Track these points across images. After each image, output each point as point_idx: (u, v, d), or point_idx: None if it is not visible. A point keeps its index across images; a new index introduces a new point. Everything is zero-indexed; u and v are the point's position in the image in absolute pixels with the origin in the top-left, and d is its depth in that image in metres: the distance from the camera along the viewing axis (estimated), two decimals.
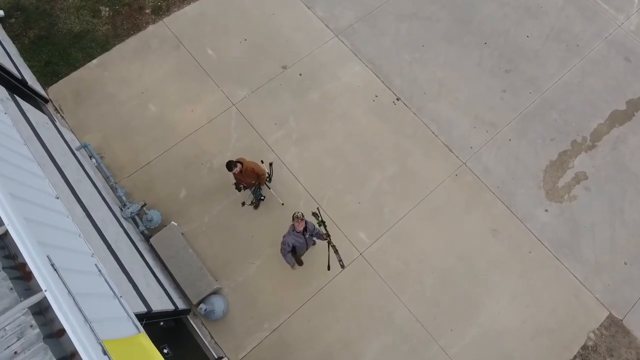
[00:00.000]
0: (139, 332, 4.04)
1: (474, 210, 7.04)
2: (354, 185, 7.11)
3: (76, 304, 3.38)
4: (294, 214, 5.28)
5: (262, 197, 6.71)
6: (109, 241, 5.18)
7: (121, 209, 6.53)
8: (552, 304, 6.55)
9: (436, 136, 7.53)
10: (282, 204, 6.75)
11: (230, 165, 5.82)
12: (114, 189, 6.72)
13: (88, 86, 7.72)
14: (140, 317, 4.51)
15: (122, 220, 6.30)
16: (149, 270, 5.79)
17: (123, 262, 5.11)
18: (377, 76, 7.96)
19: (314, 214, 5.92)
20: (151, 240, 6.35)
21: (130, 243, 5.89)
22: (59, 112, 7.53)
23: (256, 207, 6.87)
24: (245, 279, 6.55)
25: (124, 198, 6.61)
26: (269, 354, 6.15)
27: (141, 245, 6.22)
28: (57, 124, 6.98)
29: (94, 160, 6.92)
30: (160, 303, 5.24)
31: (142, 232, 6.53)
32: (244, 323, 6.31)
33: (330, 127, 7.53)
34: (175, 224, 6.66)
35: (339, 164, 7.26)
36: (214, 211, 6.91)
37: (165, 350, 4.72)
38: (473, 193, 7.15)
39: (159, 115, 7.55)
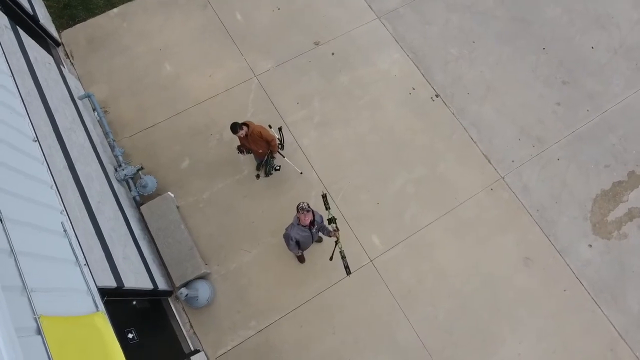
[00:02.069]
0: (97, 310, 3.37)
1: (507, 231, 6.16)
2: (374, 182, 6.32)
3: (16, 264, 2.71)
4: (299, 204, 4.51)
5: (278, 167, 5.94)
6: (90, 201, 4.54)
7: (116, 170, 5.91)
8: (583, 354, 5.62)
9: (474, 143, 6.66)
10: (301, 173, 6.08)
11: (235, 127, 5.15)
12: (111, 147, 6.10)
13: (104, 35, 7.15)
14: (106, 292, 3.84)
15: (114, 181, 5.67)
16: (132, 242, 5.14)
17: (102, 227, 4.46)
18: (417, 67, 7.14)
19: (324, 198, 4.89)
20: (142, 208, 5.71)
21: (117, 208, 5.25)
22: (69, 58, 6.97)
23: (267, 175, 6.22)
24: (238, 268, 5.84)
25: (120, 158, 5.98)
26: (250, 356, 5.43)
27: (130, 213, 5.58)
28: (65, 69, 6.42)
29: (96, 113, 6.33)
30: (136, 279, 4.57)
31: (133, 198, 5.90)
32: (229, 317, 5.61)
33: (357, 115, 6.75)
34: (172, 195, 6.00)
35: (361, 156, 6.48)
36: (216, 188, 6.23)
37: (130, 335, 4.04)
38: (508, 212, 6.27)
39: (174, 75, 6.91)
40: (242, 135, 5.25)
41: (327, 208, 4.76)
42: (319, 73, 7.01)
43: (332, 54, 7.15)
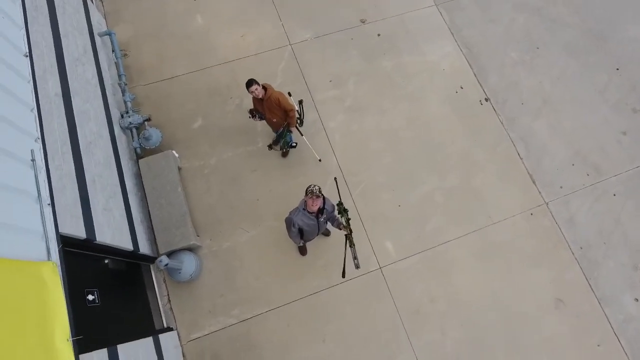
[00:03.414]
0: (49, 259, 2.79)
1: (541, 265, 5.33)
2: (400, 182, 5.59)
3: None
4: (309, 187, 3.83)
5: (294, 144, 5.21)
6: (80, 139, 4.00)
7: (122, 116, 5.39)
8: None
9: (520, 159, 5.85)
10: (320, 160, 5.29)
11: (251, 81, 4.51)
12: (122, 91, 5.59)
13: None
14: (71, 242, 3.27)
15: (116, 128, 5.14)
16: (120, 195, 4.59)
17: (85, 170, 3.91)
18: (470, 65, 6.36)
19: (336, 182, 4.29)
20: (140, 161, 5.16)
21: (111, 155, 4.71)
22: None
23: (285, 154, 5.56)
24: (232, 247, 5.23)
25: (129, 104, 5.46)
26: (225, 347, 4.81)
27: (126, 164, 5.04)
28: (92, 4, 5.94)
29: (114, 54, 5.83)
30: (113, 236, 4.01)
31: (134, 150, 5.36)
32: (211, 298, 5.01)
33: (394, 105, 6.03)
34: (176, 154, 5.45)
35: (390, 151, 5.76)
36: (225, 156, 5.63)
37: (90, 297, 3.47)
38: (546, 244, 5.44)
39: (204, 29, 6.36)
40: (256, 94, 4.58)
41: (342, 212, 4.04)
42: (360, 53, 6.33)
43: (378, 35, 6.46)
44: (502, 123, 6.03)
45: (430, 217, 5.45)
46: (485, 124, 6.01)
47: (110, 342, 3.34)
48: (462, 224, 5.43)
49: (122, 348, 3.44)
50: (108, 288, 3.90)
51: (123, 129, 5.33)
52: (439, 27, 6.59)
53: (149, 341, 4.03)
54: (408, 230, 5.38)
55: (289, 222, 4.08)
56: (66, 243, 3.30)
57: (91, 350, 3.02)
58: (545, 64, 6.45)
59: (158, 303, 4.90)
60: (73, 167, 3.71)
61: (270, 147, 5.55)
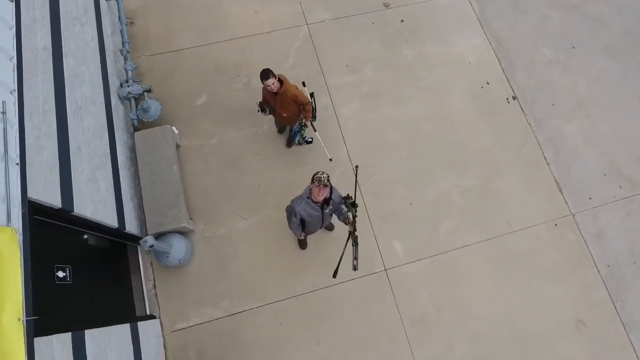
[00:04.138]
0: (8, 224, 2.43)
1: (563, 282, 4.84)
2: (414, 179, 5.15)
3: None
4: (316, 174, 3.41)
5: (310, 140, 4.80)
6: (68, 101, 3.64)
7: (121, 85, 5.04)
8: None
9: (547, 163, 5.36)
10: (330, 160, 4.81)
11: (268, 73, 4.04)
12: (125, 59, 5.24)
13: None
14: (40, 209, 2.91)
15: (113, 97, 4.79)
16: (110, 167, 4.23)
17: (70, 134, 3.55)
18: (498, 60, 5.88)
19: (356, 170, 3.78)
20: (135, 134, 4.80)
21: (104, 124, 4.35)
22: None
23: (289, 146, 5.17)
24: (227, 234, 4.84)
25: (130, 73, 5.11)
26: (211, 342, 4.42)
27: (121, 136, 4.68)
28: None
29: (119, 21, 5.48)
30: (95, 209, 3.65)
31: (131, 121, 5.01)
32: (199, 287, 4.62)
33: (414, 96, 5.59)
34: (175, 130, 5.08)
35: (406, 144, 5.32)
36: (228, 136, 5.25)
37: (60, 274, 3.10)
38: (570, 259, 4.95)
39: (215, 2, 5.99)
40: (272, 87, 4.11)
41: (350, 207, 3.60)
42: (381, 39, 5.90)
43: (402, 21, 6.01)
44: (529, 124, 5.54)
45: (445, 218, 5.00)
46: (511, 123, 5.53)
47: (77, 326, 2.97)
48: (479, 229, 4.97)
49: (91, 334, 3.07)
50: (84, 266, 3.54)
51: (121, 98, 4.98)
52: (467, 17, 6.12)
53: (125, 328, 3.66)
54: (419, 230, 4.94)
55: (291, 211, 3.67)
56: (37, 210, 2.94)
57: (51, 334, 2.65)
58: (582, 64, 5.94)
59: (143, 288, 4.53)
60: (55, 129, 3.35)
61: (290, 144, 5.12)
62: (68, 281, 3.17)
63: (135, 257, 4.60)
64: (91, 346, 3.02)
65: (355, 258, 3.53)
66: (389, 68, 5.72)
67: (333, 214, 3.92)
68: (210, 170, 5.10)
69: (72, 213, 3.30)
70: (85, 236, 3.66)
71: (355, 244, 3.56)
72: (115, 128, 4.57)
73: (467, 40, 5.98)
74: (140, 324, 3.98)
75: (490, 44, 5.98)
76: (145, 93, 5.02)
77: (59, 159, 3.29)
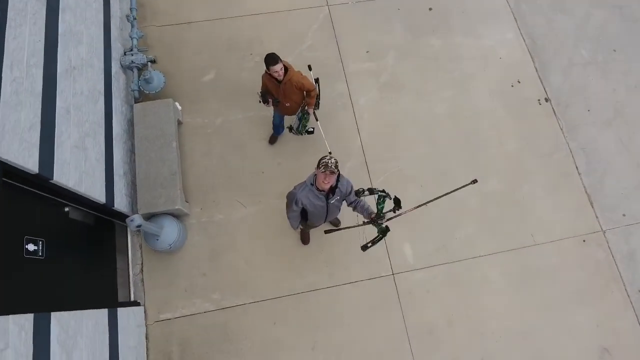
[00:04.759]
0: None
1: (588, 304, 4.39)
2: (431, 178, 4.73)
3: None
4: (323, 158, 3.02)
5: (311, 130, 4.42)
6: (59, 59, 3.31)
7: (124, 53, 4.71)
8: None
9: (579, 173, 4.90)
10: (330, 153, 4.30)
11: (275, 58, 3.62)
12: (131, 25, 4.91)
13: None
14: (12, 172, 2.56)
15: (114, 64, 4.45)
16: (103, 138, 3.89)
17: (58, 95, 3.21)
18: (531, 58, 5.43)
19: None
20: (135, 105, 4.46)
21: (101, 91, 4.01)
22: None
23: (290, 131, 4.74)
24: (225, 222, 4.48)
25: (135, 42, 4.77)
26: (197, 336, 4.06)
27: (118, 106, 4.34)
28: None
29: None
30: (79, 180, 3.30)
31: (133, 92, 4.67)
32: (190, 276, 4.27)
33: (438, 89, 5.17)
34: (179, 107, 4.74)
35: (425, 140, 4.91)
36: (234, 117, 4.89)
37: (31, 247, 2.75)
38: (597, 279, 4.49)
39: None
40: (279, 74, 3.70)
41: (382, 198, 3.20)
42: (406, 26, 5.49)
43: (430, 9, 5.60)
44: (561, 129, 5.09)
45: (461, 224, 4.58)
46: (541, 127, 5.08)
47: (42, 307, 2.62)
48: (499, 239, 4.54)
49: (58, 317, 2.72)
50: (62, 241, 3.19)
51: (123, 67, 4.65)
52: (501, 9, 5.68)
53: (102, 314, 3.31)
54: (433, 235, 4.52)
55: (291, 198, 3.29)
56: (8, 173, 2.60)
57: (8, 313, 2.29)
58: (621, 70, 5.47)
59: (129, 272, 4.19)
60: (41, 87, 3.01)
61: (290, 128, 4.67)
62: (39, 256, 2.82)
63: (123, 237, 4.26)
64: (57, 331, 2.67)
65: (373, 243, 3.15)
66: (413, 58, 5.31)
67: (352, 206, 3.50)
68: (212, 151, 4.75)
69: (51, 181, 2.96)
70: (67, 209, 3.32)
71: (381, 235, 3.19)
72: (113, 96, 4.23)
73: (499, 34, 5.54)
74: (121, 310, 3.63)
75: (524, 40, 5.53)
76: (150, 63, 4.68)
77: (42, 119, 2.95)
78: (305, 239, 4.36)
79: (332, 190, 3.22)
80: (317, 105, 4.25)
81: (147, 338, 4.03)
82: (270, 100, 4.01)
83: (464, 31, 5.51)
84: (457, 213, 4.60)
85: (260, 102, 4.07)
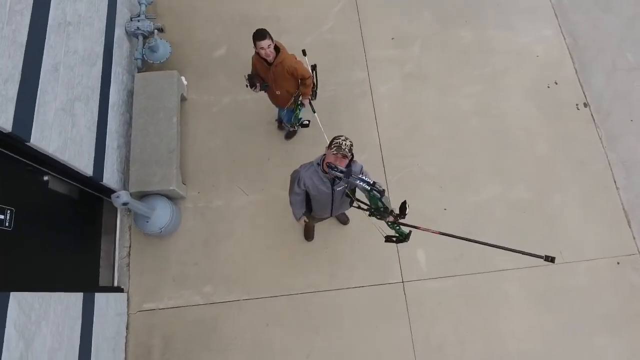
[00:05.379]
0: None
1: (619, 333, 3.92)
2: (453, 180, 4.31)
3: None
4: (337, 138, 2.59)
5: (307, 122, 3.81)
6: (52, 11, 2.97)
7: (130, 19, 4.37)
8: None
9: (617, 188, 4.42)
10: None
11: (263, 33, 3.14)
12: None
13: None
14: None
15: (119, 29, 4.12)
16: (97, 105, 3.54)
17: (47, 50, 2.87)
18: (571, 58, 4.97)
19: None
20: (137, 75, 4.11)
21: (100, 54, 3.67)
22: None
23: (289, 136, 4.32)
24: (223, 209, 4.11)
25: (143, 8, 4.43)
26: (182, 331, 3.70)
27: (119, 74, 4.00)
28: None
29: None
30: (63, 147, 2.96)
31: (136, 61, 4.32)
32: (181, 265, 3.91)
33: (465, 84, 4.74)
34: (185, 81, 4.39)
35: (449, 138, 4.48)
36: (242, 97, 4.51)
37: None
38: (631, 306, 4.01)
39: None
40: (266, 52, 3.17)
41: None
42: (435, 14, 5.06)
43: None
44: (600, 138, 4.61)
45: (483, 232, 4.11)
46: (578, 134, 4.62)
47: (2, 285, 2.26)
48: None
49: (19, 298, 2.37)
50: (35, 213, 2.85)
51: (128, 34, 4.31)
52: (541, 3, 5.22)
53: (75, 298, 2.96)
54: (450, 243, 4.03)
55: (294, 177, 2.89)
56: None
57: None
58: None
59: (115, 254, 3.84)
60: (25, 36, 2.67)
61: (280, 126, 4.27)
62: (6, 227, 2.47)
63: (112, 216, 3.91)
64: (16, 313, 2.31)
65: (398, 240, 2.72)
66: (441, 48, 4.89)
67: (350, 203, 3.10)
68: (216, 132, 4.38)
69: (27, 143, 2.61)
70: (46, 178, 2.97)
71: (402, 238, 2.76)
72: (113, 63, 3.89)
73: (537, 30, 5.08)
74: (99, 295, 3.28)
75: (564, 38, 5.06)
76: (156, 31, 4.33)
77: (23, 73, 2.60)
78: (308, 234, 3.97)
79: (339, 176, 2.76)
80: (314, 95, 3.74)
81: (127, 328, 3.68)
82: (258, 84, 3.45)
83: (498, 25, 5.06)
84: (478, 220, 4.16)
85: (247, 86, 3.45)
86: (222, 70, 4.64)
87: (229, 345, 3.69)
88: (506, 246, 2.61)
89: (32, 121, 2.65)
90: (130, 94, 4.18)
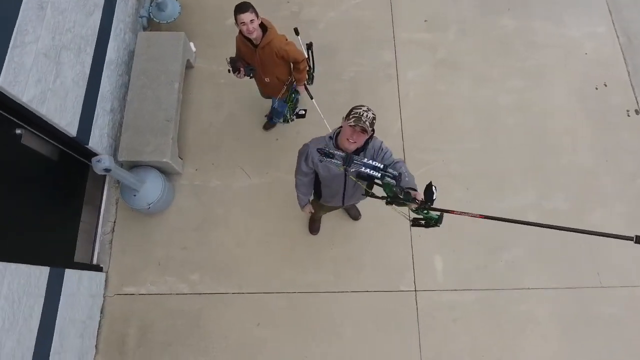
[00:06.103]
0: None
1: None
2: (481, 181, 3.82)
3: None
4: (357, 108, 2.10)
5: (302, 112, 3.40)
6: None
7: None
8: None
9: None
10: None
11: (246, 5, 2.63)
12: None
13: None
14: None
15: None
16: (90, 58, 3.15)
17: None
18: (624, 59, 4.43)
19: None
20: (139, 34, 3.72)
21: (100, 5, 3.28)
22: None
23: (268, 126, 3.83)
24: (222, 190, 3.70)
25: None
26: (161, 321, 3.30)
27: (120, 31, 3.61)
28: None
29: None
30: (42, 98, 2.56)
31: (141, 19, 3.93)
32: (168, 247, 3.50)
33: (504, 77, 4.25)
34: (193, 48, 3.99)
35: (480, 135, 4.00)
36: None
37: None
38: None
39: None
40: (248, 29, 2.66)
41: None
42: (478, 1, 4.57)
43: None
44: None
45: (511, 244, 3.65)
46: (627, 143, 4.08)
47: None
48: (555, 270, 3.59)
49: None
50: (1, 171, 2.45)
51: None
52: None
53: (39, 272, 2.56)
54: (473, 251, 3.60)
55: (302, 152, 2.44)
56: None
57: None
58: None
59: (97, 228, 3.45)
60: None
61: (268, 123, 3.76)
62: None
63: (98, 186, 3.52)
64: None
65: (426, 225, 2.15)
66: (479, 36, 4.40)
67: (364, 193, 2.60)
68: (221, 105, 3.97)
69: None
70: (19, 131, 2.57)
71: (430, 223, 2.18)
72: (115, 17, 3.50)
73: (587, 25, 4.55)
74: (70, 272, 2.89)
75: (618, 37, 4.53)
76: None
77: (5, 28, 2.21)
78: (314, 227, 3.52)
79: (352, 156, 2.28)
80: (310, 80, 3.27)
81: (102, 312, 3.29)
82: (241, 68, 2.95)
83: (545, 16, 4.55)
84: (507, 229, 3.62)
85: (229, 71, 2.98)
86: (233, 39, 4.19)
87: (211, 343, 3.27)
88: (584, 229, 1.73)
89: (4, 60, 2.25)
90: (130, 55, 3.78)
